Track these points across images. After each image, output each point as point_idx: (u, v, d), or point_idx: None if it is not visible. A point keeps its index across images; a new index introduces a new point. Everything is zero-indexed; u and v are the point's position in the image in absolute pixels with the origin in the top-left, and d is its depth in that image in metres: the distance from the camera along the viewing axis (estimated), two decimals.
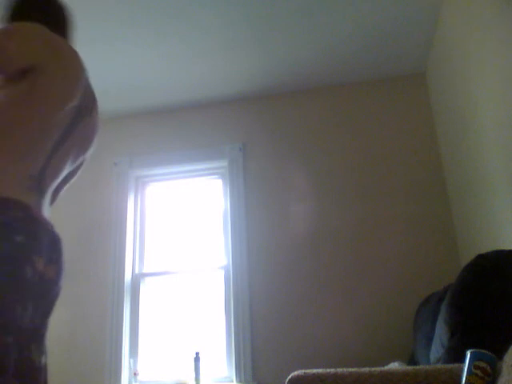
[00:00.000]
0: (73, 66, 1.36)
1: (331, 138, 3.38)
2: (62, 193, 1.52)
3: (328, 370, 1.45)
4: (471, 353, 1.21)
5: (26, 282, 1.09)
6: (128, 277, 3.34)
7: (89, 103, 1.44)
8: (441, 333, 1.72)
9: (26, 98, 1.24)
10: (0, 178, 1.16)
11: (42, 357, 1.13)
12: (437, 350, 1.76)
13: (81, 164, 1.51)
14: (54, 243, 1.22)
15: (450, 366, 1.40)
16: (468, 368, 1.19)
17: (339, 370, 1.45)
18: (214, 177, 3.57)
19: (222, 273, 3.29)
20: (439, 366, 1.43)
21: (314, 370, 1.46)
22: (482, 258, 1.68)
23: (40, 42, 1.30)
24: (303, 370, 1.47)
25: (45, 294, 1.16)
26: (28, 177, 1.21)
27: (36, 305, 1.12)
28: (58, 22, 1.49)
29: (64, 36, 1.51)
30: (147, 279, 3.40)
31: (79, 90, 1.37)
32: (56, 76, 1.29)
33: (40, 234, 1.16)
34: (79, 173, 1.54)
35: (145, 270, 3.43)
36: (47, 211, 1.30)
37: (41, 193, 1.25)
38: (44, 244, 1.17)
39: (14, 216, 1.12)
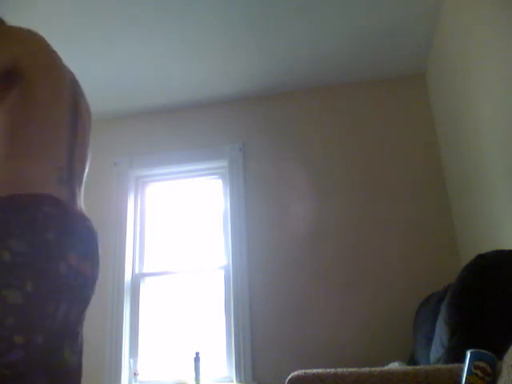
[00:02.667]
0: (46, 49, 1.33)
1: (331, 138, 3.37)
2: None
3: (328, 370, 1.45)
4: (471, 353, 1.21)
5: (60, 280, 1.08)
6: (128, 277, 3.34)
7: (74, 80, 1.43)
8: (441, 333, 1.72)
9: (25, 96, 1.23)
10: (30, 173, 1.15)
11: (74, 356, 1.11)
12: (437, 349, 1.76)
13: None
14: (89, 238, 1.20)
15: (450, 366, 1.40)
16: (468, 368, 1.19)
17: (339, 370, 1.45)
18: (214, 177, 3.57)
19: (222, 273, 3.29)
20: (439, 366, 1.43)
21: (314, 370, 1.46)
22: (481, 258, 1.68)
23: (9, 40, 1.26)
24: (303, 370, 1.47)
25: (79, 291, 1.14)
26: (57, 169, 1.20)
27: (70, 302, 1.10)
28: None
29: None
30: (147, 279, 3.40)
31: (66, 72, 1.36)
32: (39, 65, 1.26)
33: (73, 229, 1.15)
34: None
35: (145, 270, 3.43)
36: (81, 203, 1.28)
37: (72, 184, 1.24)
38: (77, 239, 1.15)
39: (46, 212, 1.10)
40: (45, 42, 1.35)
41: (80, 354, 1.15)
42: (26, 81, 1.23)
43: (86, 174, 1.35)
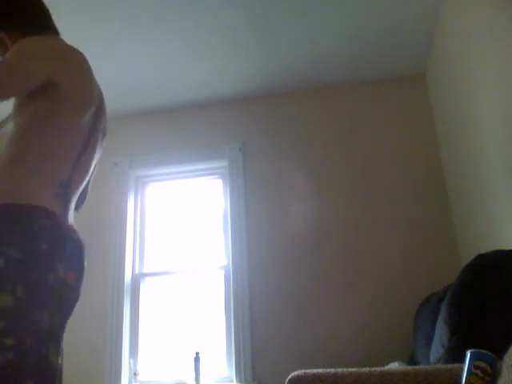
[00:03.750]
0: (83, 69, 1.39)
1: (331, 138, 3.37)
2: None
3: (328, 370, 1.45)
4: (471, 353, 1.21)
5: (48, 288, 1.14)
6: (128, 277, 3.34)
7: (101, 100, 1.48)
8: (441, 333, 1.72)
9: (49, 110, 1.28)
10: (30, 185, 1.20)
11: (58, 357, 1.17)
12: (437, 349, 1.76)
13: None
14: (77, 250, 1.27)
15: (450, 366, 1.40)
16: (468, 368, 1.19)
17: (339, 370, 1.45)
18: (213, 177, 3.57)
19: (222, 273, 3.29)
20: (439, 366, 1.43)
21: (314, 370, 1.46)
22: (481, 258, 1.68)
23: (50, 55, 1.32)
24: (303, 370, 1.47)
25: (64, 299, 1.20)
26: (58, 184, 1.26)
27: (55, 309, 1.16)
28: (42, 19, 1.50)
29: (51, 29, 1.52)
30: (147, 279, 3.40)
31: (95, 91, 1.41)
32: (72, 83, 1.32)
33: (64, 242, 1.21)
34: (96, 171, 1.58)
35: (145, 270, 3.43)
36: (71, 216, 1.35)
37: (67, 199, 1.29)
38: (67, 251, 1.21)
39: (41, 224, 1.16)
40: (84, 61, 1.41)
41: (62, 356, 1.22)
42: (55, 94, 1.28)
43: (82, 188, 1.40)
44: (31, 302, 1.09)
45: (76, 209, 1.47)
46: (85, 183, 1.41)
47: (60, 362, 1.19)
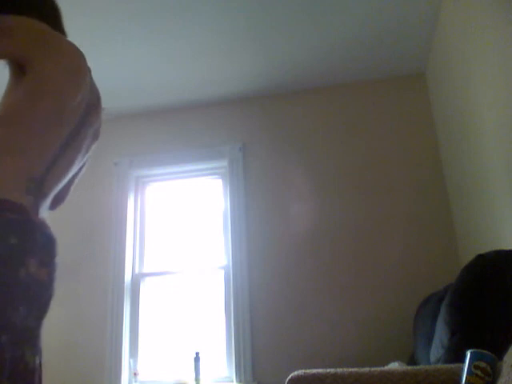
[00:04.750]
0: (75, 60, 1.37)
1: (331, 138, 3.38)
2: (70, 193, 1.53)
3: (328, 370, 1.45)
4: (471, 353, 1.21)
5: (19, 284, 1.09)
6: (128, 277, 3.34)
7: (95, 101, 1.45)
8: (441, 333, 1.72)
9: (28, 95, 1.23)
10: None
11: (35, 358, 1.12)
12: (437, 349, 1.76)
13: (84, 164, 1.51)
14: (48, 245, 1.21)
15: (449, 366, 1.40)
16: (468, 368, 1.19)
17: (339, 370, 1.45)
18: (214, 177, 3.57)
19: (222, 273, 3.29)
20: (439, 366, 1.43)
21: (314, 370, 1.46)
22: (481, 258, 1.69)
23: (35, 34, 1.30)
24: (303, 370, 1.47)
25: (38, 296, 1.15)
26: (29, 179, 1.20)
27: (29, 307, 1.12)
28: (52, 18, 1.49)
29: (56, 29, 1.51)
30: (147, 279, 3.40)
31: (84, 85, 1.38)
32: (58, 70, 1.29)
33: (34, 236, 1.15)
34: (82, 172, 1.55)
35: (145, 270, 3.43)
36: (44, 213, 1.29)
37: (39, 195, 1.24)
38: (38, 246, 1.16)
39: (9, 218, 1.11)
40: (82, 58, 1.40)
41: (41, 354, 1.17)
42: (38, 87, 1.24)
43: (58, 189, 1.36)
44: (2, 299, 1.05)
45: (53, 207, 1.42)
46: (64, 182, 1.37)
47: (38, 361, 1.14)
